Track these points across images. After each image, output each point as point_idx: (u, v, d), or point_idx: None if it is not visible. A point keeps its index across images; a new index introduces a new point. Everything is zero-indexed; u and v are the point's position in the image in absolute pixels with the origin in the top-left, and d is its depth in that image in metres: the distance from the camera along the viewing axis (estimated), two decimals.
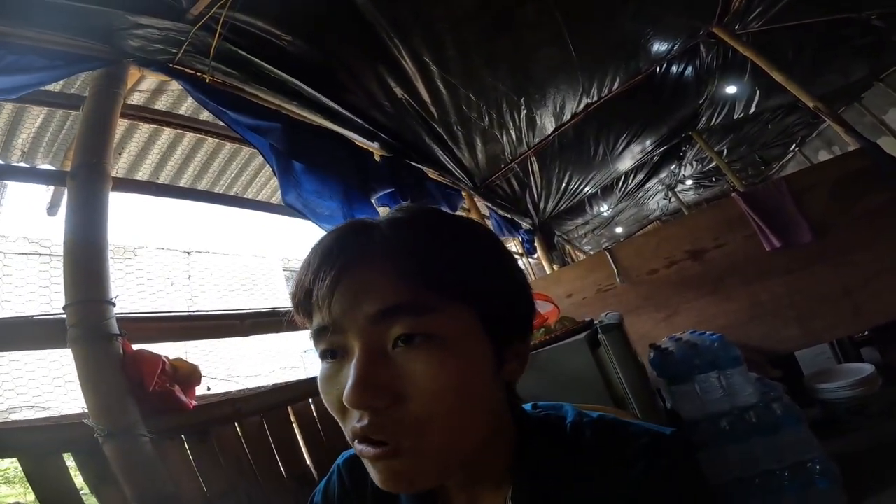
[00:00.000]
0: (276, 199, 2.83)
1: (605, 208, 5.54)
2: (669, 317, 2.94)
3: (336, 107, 2.07)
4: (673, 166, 5.35)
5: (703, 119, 4.24)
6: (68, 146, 2.03)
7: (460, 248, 0.44)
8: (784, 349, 2.70)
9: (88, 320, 1.20)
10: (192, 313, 1.91)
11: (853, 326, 2.70)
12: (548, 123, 3.11)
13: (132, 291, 8.00)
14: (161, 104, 2.09)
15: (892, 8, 2.96)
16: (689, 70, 3.34)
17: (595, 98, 3.04)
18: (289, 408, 1.58)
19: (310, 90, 1.93)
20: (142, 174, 2.37)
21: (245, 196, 2.78)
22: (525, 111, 2.81)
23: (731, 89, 3.81)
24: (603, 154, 3.84)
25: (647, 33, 2.75)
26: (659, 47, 2.95)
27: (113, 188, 1.44)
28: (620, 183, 4.96)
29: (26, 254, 7.22)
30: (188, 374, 1.37)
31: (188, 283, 9.12)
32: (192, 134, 2.27)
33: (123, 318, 1.32)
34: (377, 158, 2.42)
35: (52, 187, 2.05)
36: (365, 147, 2.37)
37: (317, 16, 1.74)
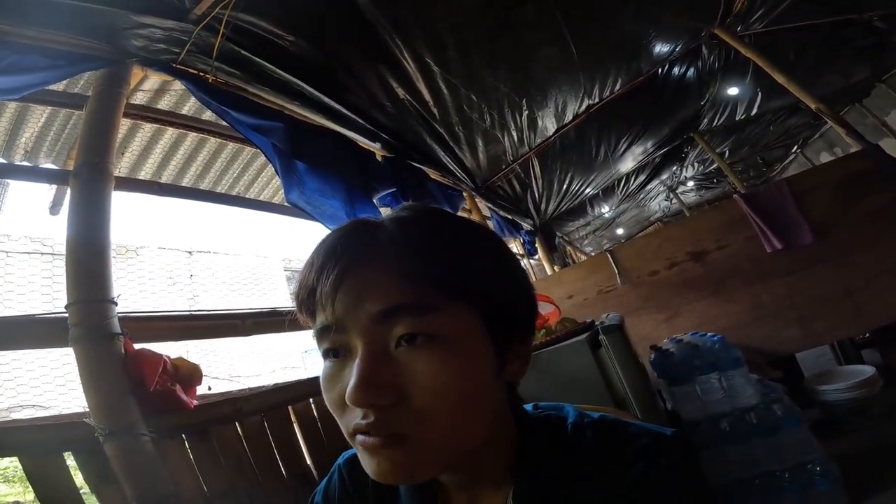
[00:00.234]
0: (278, 199, 2.84)
1: (606, 209, 5.54)
2: (670, 318, 2.94)
3: (338, 107, 2.07)
4: (674, 168, 5.35)
5: (705, 120, 4.24)
6: (71, 145, 2.04)
7: (463, 249, 0.45)
8: (785, 350, 2.70)
9: (90, 319, 1.20)
10: (194, 313, 1.91)
11: (854, 328, 2.70)
12: (549, 124, 3.11)
13: (134, 291, 8.00)
14: (164, 104, 2.10)
15: (894, 9, 2.96)
16: (690, 71, 3.34)
17: (597, 99, 3.04)
18: (289, 407, 1.58)
19: (312, 90, 1.94)
20: (144, 174, 2.38)
21: (247, 196, 2.79)
22: (526, 112, 2.82)
23: (732, 91, 3.81)
24: (604, 155, 3.84)
25: (648, 34, 2.75)
26: (661, 48, 2.95)
27: (115, 187, 1.44)
28: (622, 184, 4.96)
29: (28, 253, 7.24)
30: (189, 374, 1.37)
31: (190, 282, 9.13)
32: (194, 134, 2.27)
33: (125, 317, 1.32)
34: (379, 159, 2.42)
35: (54, 186, 2.06)
36: (367, 147, 2.37)
37: (319, 16, 1.74)
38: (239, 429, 1.40)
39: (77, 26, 1.38)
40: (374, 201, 2.25)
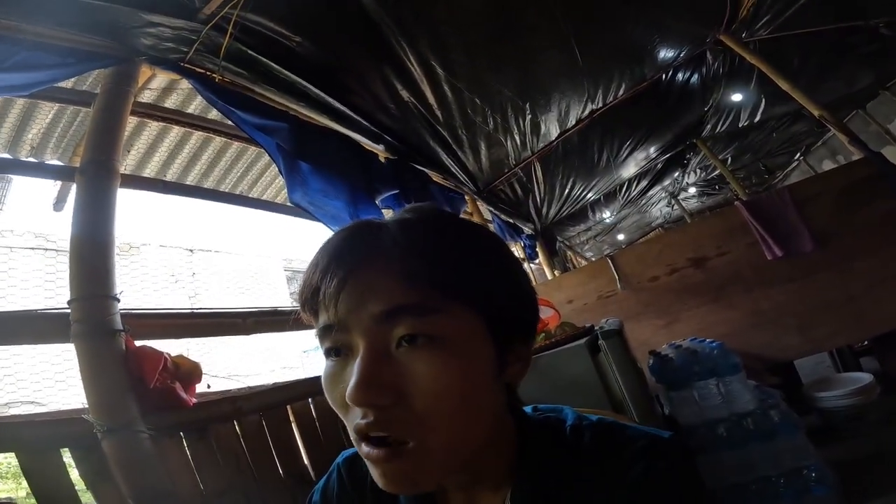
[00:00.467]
0: (280, 198, 2.85)
1: (607, 215, 5.54)
2: (670, 324, 2.94)
3: (342, 108, 2.08)
4: (676, 174, 5.35)
5: (708, 126, 4.24)
6: (77, 142, 2.05)
7: (466, 251, 0.45)
8: (784, 357, 2.70)
9: (93, 316, 1.21)
10: (195, 310, 1.92)
11: (854, 335, 2.71)
12: (552, 129, 3.12)
13: (134, 288, 8.03)
14: (170, 102, 2.12)
15: None
16: (694, 77, 3.35)
17: (600, 104, 3.05)
18: (288, 407, 1.59)
19: (317, 91, 1.95)
20: (149, 171, 2.39)
21: (250, 195, 2.80)
22: (530, 116, 2.82)
23: (736, 97, 3.82)
24: (607, 160, 3.84)
25: (653, 40, 2.76)
26: (665, 54, 2.96)
27: (121, 185, 1.44)
28: (623, 190, 4.96)
29: (30, 248, 7.26)
30: (189, 372, 1.37)
31: (191, 280, 9.15)
32: (199, 132, 2.29)
33: (126, 314, 1.32)
34: (382, 160, 2.43)
35: (59, 183, 2.07)
36: (370, 149, 2.38)
37: (325, 18, 1.75)
38: (237, 427, 1.40)
39: (87, 24, 1.39)
40: (377, 203, 2.26)
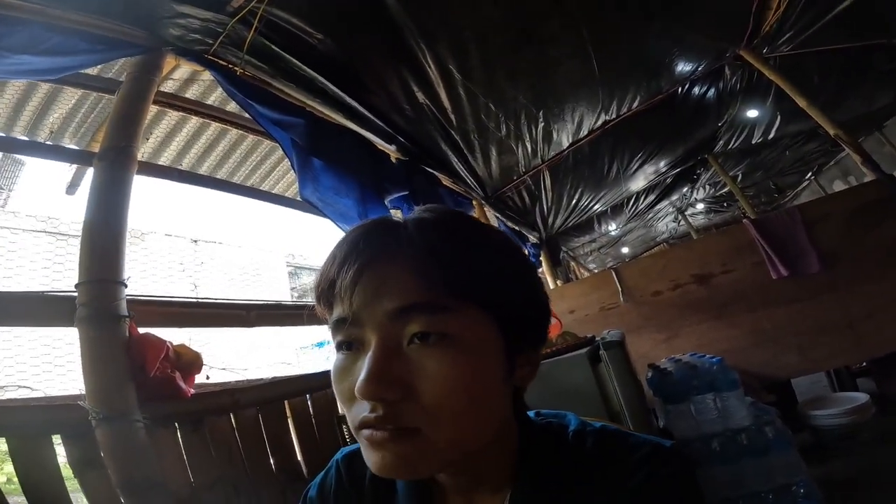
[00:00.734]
0: (290, 193, 2.87)
1: (613, 227, 5.52)
2: (670, 338, 2.94)
3: (358, 107, 2.10)
4: (685, 189, 5.33)
5: (721, 142, 4.22)
6: (96, 129, 2.08)
7: (482, 253, 0.45)
8: (782, 376, 2.71)
9: (99, 300, 1.20)
10: (200, 300, 1.94)
11: (853, 357, 2.72)
12: (564, 138, 3.12)
13: (138, 275, 8.08)
14: (191, 93, 2.15)
15: None
16: (711, 92, 3.33)
17: (614, 115, 3.04)
18: (286, 402, 1.59)
19: (335, 89, 1.97)
20: (165, 159, 2.42)
21: (261, 188, 2.82)
22: (542, 124, 2.83)
23: (752, 113, 3.79)
24: (616, 172, 3.83)
25: (672, 53, 2.75)
26: (683, 67, 2.95)
27: (137, 172, 1.46)
28: (631, 203, 4.94)
29: (38, 231, 7.33)
30: (190, 362, 1.38)
31: (192, 271, 9.20)
32: (216, 124, 2.31)
33: (132, 300, 1.32)
34: (393, 161, 2.45)
35: (74, 167, 2.10)
36: (382, 149, 2.40)
37: (349, 17, 1.77)
38: (233, 420, 1.40)
39: (120, 13, 1.42)
40: (386, 203, 2.27)
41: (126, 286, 1.29)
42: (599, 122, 3.08)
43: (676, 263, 3.02)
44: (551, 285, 4.43)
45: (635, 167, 3.90)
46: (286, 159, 1.97)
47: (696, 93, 3.28)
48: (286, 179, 2.85)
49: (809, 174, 6.21)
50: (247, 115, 1.89)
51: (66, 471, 1.08)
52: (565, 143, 3.19)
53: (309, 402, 1.66)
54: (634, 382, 1.46)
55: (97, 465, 1.09)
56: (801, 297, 2.67)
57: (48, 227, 7.48)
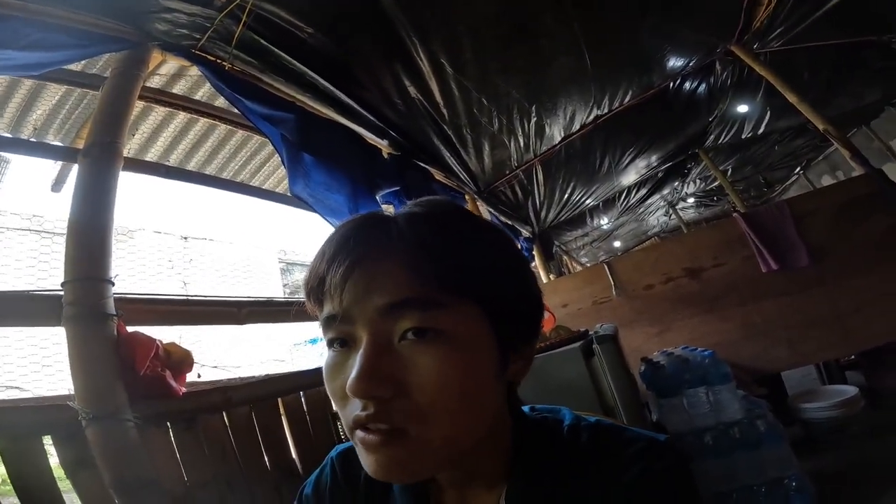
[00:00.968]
0: (282, 188, 2.85)
1: (605, 221, 5.55)
2: (662, 332, 2.96)
3: (350, 102, 2.08)
4: (676, 183, 5.37)
5: (712, 137, 4.25)
6: (81, 125, 2.04)
7: (475, 247, 0.45)
8: (772, 369, 2.74)
9: (86, 298, 1.18)
10: (189, 297, 1.91)
11: (842, 350, 2.76)
12: (556, 133, 3.12)
13: (127, 273, 7.99)
14: (178, 88, 2.11)
15: None
16: (702, 87, 3.35)
17: (606, 110, 3.05)
18: (279, 400, 1.58)
19: (325, 83, 1.95)
20: (152, 155, 2.39)
21: (251, 184, 2.79)
22: (535, 119, 2.82)
23: (742, 108, 3.82)
24: (608, 167, 3.85)
25: (664, 48, 2.76)
26: (675, 63, 2.96)
27: (123, 168, 1.43)
28: (622, 197, 4.98)
29: (24, 230, 7.21)
30: (181, 360, 1.36)
31: (182, 268, 9.12)
32: (205, 119, 2.28)
33: (120, 298, 1.30)
34: (385, 156, 2.43)
35: (59, 164, 2.06)
36: (374, 144, 2.38)
37: (339, 10, 1.75)
38: (226, 419, 1.39)
39: (103, 7, 1.38)
40: (378, 198, 2.25)
41: (113, 284, 1.27)
42: (591, 117, 3.08)
43: (668, 257, 3.04)
44: (544, 279, 4.44)
45: (627, 162, 3.91)
46: (277, 154, 1.95)
47: (687, 88, 3.30)
48: (277, 175, 2.82)
49: (798, 169, 6.29)
50: (236, 111, 1.86)
51: (59, 471, 1.06)
52: (557, 138, 3.19)
53: (303, 399, 1.65)
54: (628, 376, 1.47)
55: (89, 465, 1.07)
56: (791, 290, 2.70)
57: (34, 225, 7.36)
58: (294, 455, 1.55)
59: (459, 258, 0.42)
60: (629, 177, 4.41)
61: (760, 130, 4.22)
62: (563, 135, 3.17)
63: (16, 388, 6.36)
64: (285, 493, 1.41)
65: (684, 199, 6.34)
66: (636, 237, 7.48)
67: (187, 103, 2.15)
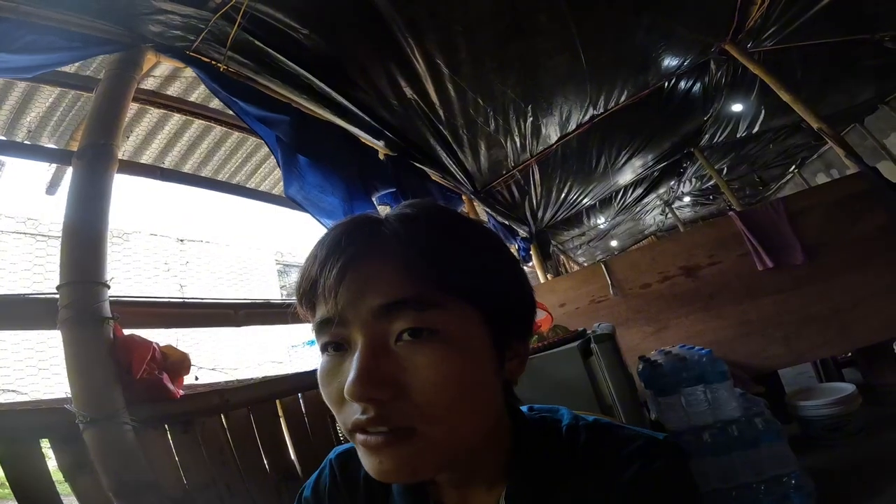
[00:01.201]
0: (277, 190, 2.84)
1: (601, 221, 5.57)
2: (659, 331, 2.97)
3: (345, 103, 2.08)
4: (672, 182, 5.39)
5: (707, 136, 4.28)
6: (75, 127, 2.04)
7: (466, 247, 0.45)
8: (769, 367, 2.75)
9: (82, 301, 1.18)
10: (186, 300, 1.91)
11: (838, 347, 2.77)
12: (552, 132, 3.13)
13: (123, 276, 7.94)
14: (173, 90, 2.11)
15: None
16: (696, 86, 3.37)
17: (601, 109, 3.06)
18: (277, 402, 1.58)
19: (321, 85, 1.94)
20: (147, 157, 2.38)
21: (247, 186, 2.79)
22: (531, 119, 2.83)
23: (736, 107, 3.84)
24: (604, 166, 3.86)
25: (658, 47, 2.77)
26: (669, 62, 2.97)
27: (118, 170, 1.43)
28: (619, 196, 5.00)
29: (19, 232, 7.16)
30: (178, 362, 1.36)
31: (179, 271, 9.07)
32: (200, 121, 2.27)
33: (116, 301, 1.30)
34: (381, 157, 2.43)
35: (53, 166, 2.05)
36: (370, 145, 2.38)
37: (334, 11, 1.75)
38: (224, 421, 1.39)
39: (97, 9, 1.38)
40: (374, 200, 2.25)
41: (109, 287, 1.27)
42: (587, 117, 3.09)
43: (664, 256, 3.05)
44: (541, 279, 4.45)
45: (623, 161, 3.93)
46: (273, 156, 1.94)
47: (682, 87, 3.31)
48: (273, 176, 2.82)
49: (793, 167, 6.32)
50: (231, 113, 1.86)
51: (58, 474, 1.07)
52: (554, 138, 3.20)
53: (301, 401, 1.65)
54: (626, 375, 1.47)
55: (88, 468, 1.07)
56: (786, 288, 2.72)
57: (28, 228, 7.31)
58: (293, 457, 1.54)
59: (452, 257, 0.42)
60: (625, 176, 4.42)
61: (755, 129, 4.23)
62: (559, 134, 3.18)
63: (12, 391, 6.31)
64: (284, 495, 1.41)
65: (680, 198, 6.36)
66: (633, 236, 7.51)
67: (182, 105, 2.14)
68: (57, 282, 1.21)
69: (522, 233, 4.37)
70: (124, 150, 2.24)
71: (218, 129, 2.39)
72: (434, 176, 2.93)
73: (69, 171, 1.41)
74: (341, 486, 0.55)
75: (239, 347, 8.97)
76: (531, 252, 4.53)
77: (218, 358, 8.37)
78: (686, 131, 4.04)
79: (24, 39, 1.25)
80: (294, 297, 0.47)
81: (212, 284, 9.43)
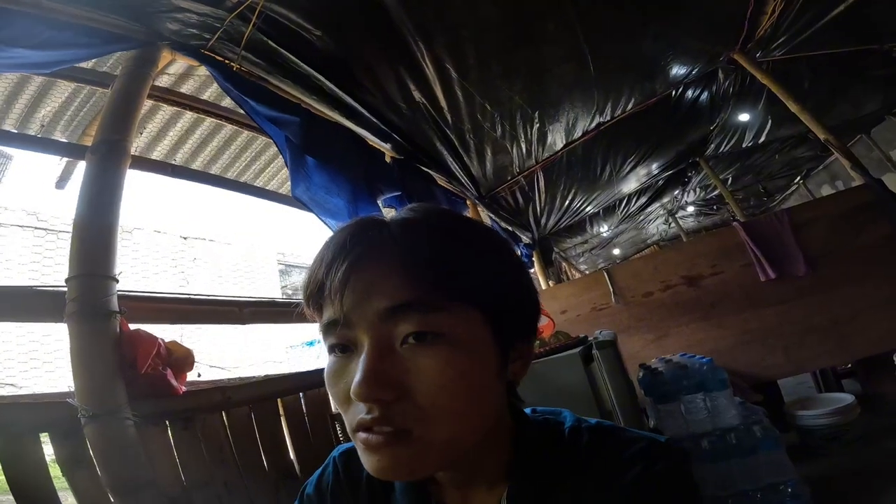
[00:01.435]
0: (284, 190, 2.86)
1: (605, 229, 5.56)
2: (659, 339, 2.97)
3: (355, 105, 2.09)
4: (676, 192, 5.39)
5: (712, 145, 4.27)
6: (88, 123, 2.06)
7: (471, 250, 0.45)
8: (768, 376, 2.75)
9: (90, 295, 1.18)
10: (192, 296, 1.92)
11: (838, 358, 2.78)
12: (558, 139, 3.14)
13: (125, 272, 7.97)
14: (186, 88, 2.13)
15: None
16: (704, 95, 3.37)
17: (608, 117, 3.06)
18: (278, 400, 1.58)
19: (331, 86, 1.96)
20: (158, 153, 2.40)
21: (255, 184, 2.81)
22: (538, 125, 2.84)
23: (743, 117, 3.83)
24: (609, 174, 3.87)
25: (667, 56, 2.77)
26: (677, 70, 2.97)
27: (129, 166, 1.44)
28: (623, 204, 4.99)
29: (24, 226, 7.20)
30: (182, 358, 1.35)
31: (182, 267, 9.10)
32: (211, 119, 2.30)
33: (123, 295, 1.30)
34: (388, 160, 2.44)
35: (64, 161, 2.07)
36: (377, 147, 2.39)
37: (347, 14, 1.77)
38: (225, 418, 1.39)
39: (116, 6, 1.40)
40: (379, 202, 2.26)
41: (118, 281, 1.27)
42: (593, 124, 3.09)
43: (667, 265, 3.06)
44: (543, 286, 4.45)
45: (628, 169, 3.93)
46: (281, 156, 1.96)
47: (690, 96, 3.32)
48: (280, 176, 2.84)
49: (798, 178, 6.30)
50: (242, 112, 1.88)
51: (55, 469, 1.06)
52: (560, 145, 3.20)
53: (302, 401, 1.65)
54: (626, 382, 1.47)
55: (86, 463, 1.07)
56: (788, 299, 2.72)
57: (36, 221, 7.36)
58: (292, 456, 1.55)
59: (456, 260, 0.43)
60: (630, 184, 4.42)
61: (761, 139, 4.23)
62: (564, 141, 3.19)
63: (11, 384, 6.32)
64: (283, 494, 1.41)
65: (684, 208, 6.35)
66: (635, 245, 7.50)
67: (194, 103, 2.17)
68: (63, 276, 1.21)
69: (525, 239, 4.38)
70: (136, 146, 2.26)
71: (228, 128, 2.42)
72: (439, 180, 2.94)
73: (79, 165, 1.43)
74: (344, 483, 0.56)
75: (238, 346, 8.99)
76: (533, 259, 4.53)
77: (220, 355, 8.39)
78: (692, 140, 4.04)
79: (44, 35, 1.27)
80: (300, 298, 0.48)
81: (213, 282, 9.46)
